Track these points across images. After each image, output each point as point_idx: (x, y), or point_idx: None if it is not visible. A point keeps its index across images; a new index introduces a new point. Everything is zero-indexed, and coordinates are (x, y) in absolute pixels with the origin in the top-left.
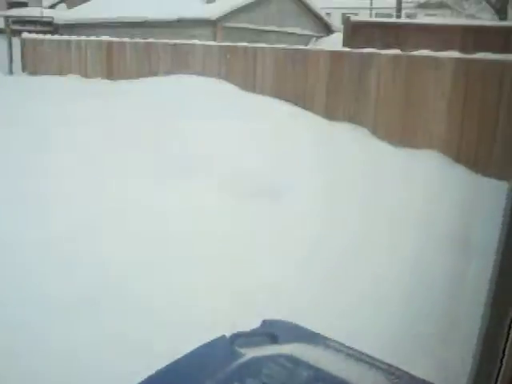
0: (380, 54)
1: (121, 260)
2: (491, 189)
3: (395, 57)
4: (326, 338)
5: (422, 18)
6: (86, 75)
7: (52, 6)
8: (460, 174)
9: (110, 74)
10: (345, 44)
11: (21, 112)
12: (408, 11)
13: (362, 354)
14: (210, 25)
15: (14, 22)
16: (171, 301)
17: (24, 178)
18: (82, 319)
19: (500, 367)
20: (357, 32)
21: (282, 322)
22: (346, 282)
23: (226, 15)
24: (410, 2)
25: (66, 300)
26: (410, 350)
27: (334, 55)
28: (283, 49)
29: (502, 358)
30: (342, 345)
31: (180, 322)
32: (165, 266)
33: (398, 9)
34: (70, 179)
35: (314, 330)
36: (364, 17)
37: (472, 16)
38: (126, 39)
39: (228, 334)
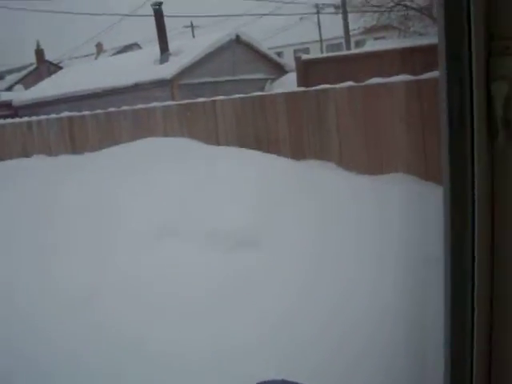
0: (335, 89)
1: None
2: None
3: (349, 89)
4: None
5: (372, 43)
6: (50, 154)
7: (9, 89)
8: (428, 189)
9: (74, 148)
10: (299, 83)
11: None
12: (357, 38)
13: None
14: (166, 84)
15: None
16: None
17: None
18: None
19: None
20: (309, 70)
21: (277, 381)
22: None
23: (180, 73)
24: (358, 29)
25: None
26: None
27: (290, 97)
28: (240, 98)
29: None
30: None
31: None
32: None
33: (347, 38)
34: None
35: None
36: (315, 50)
37: (418, 33)
38: (86, 112)
39: None
